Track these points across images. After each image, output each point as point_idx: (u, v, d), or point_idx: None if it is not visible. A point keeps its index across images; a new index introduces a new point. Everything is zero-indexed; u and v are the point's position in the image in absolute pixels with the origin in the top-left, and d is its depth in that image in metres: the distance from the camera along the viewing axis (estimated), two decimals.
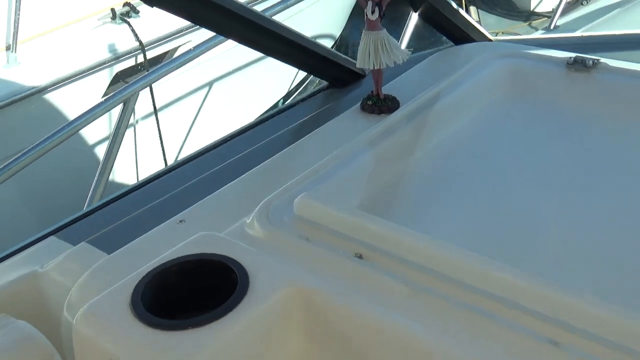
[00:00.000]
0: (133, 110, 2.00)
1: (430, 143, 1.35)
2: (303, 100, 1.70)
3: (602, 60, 1.40)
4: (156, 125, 4.04)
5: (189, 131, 4.62)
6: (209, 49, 2.24)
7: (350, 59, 1.71)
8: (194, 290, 0.93)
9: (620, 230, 1.07)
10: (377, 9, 1.34)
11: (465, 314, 0.85)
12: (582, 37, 2.04)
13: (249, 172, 1.28)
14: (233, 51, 4.17)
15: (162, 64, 2.24)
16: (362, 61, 1.39)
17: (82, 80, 4.00)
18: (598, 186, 1.19)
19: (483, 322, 0.84)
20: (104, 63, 4.07)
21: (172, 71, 2.14)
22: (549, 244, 1.05)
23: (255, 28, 1.43)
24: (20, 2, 3.73)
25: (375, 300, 0.88)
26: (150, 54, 4.19)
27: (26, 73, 3.82)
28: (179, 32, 4.33)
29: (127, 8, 4.19)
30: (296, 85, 6.10)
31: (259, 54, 4.89)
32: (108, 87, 4.19)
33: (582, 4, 6.47)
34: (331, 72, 1.68)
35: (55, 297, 1.13)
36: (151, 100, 3.88)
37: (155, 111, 4.02)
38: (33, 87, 3.79)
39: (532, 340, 0.80)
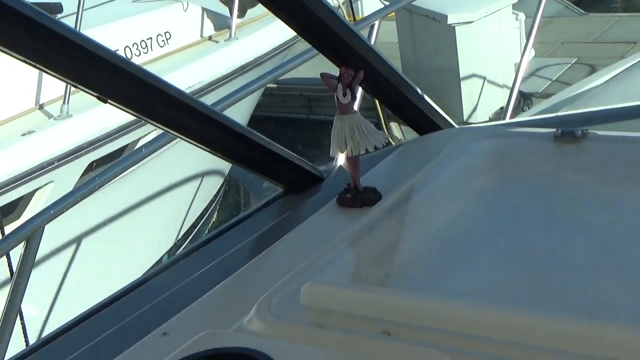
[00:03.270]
0: (38, 247, 2.16)
1: (420, 235, 1.63)
2: (258, 210, 1.96)
3: (591, 130, 1.78)
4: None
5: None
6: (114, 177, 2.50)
7: (306, 160, 2.01)
8: None
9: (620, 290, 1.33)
10: (348, 92, 1.66)
11: None
12: (560, 115, 2.45)
13: (229, 278, 1.50)
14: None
15: (73, 189, 2.44)
16: (337, 148, 1.68)
17: None
18: (596, 266, 1.45)
19: None
20: None
21: (83, 199, 2.35)
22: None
23: (215, 127, 1.72)
24: None
25: None
26: (2, 200, 4.39)
27: None
28: (41, 169, 4.57)
29: None
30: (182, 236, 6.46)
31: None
32: None
33: (522, 110, 7.30)
34: (289, 176, 1.96)
35: None
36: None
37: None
38: None
39: None
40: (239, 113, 6.38)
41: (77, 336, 1.50)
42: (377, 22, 3.51)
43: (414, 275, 1.48)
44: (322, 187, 1.98)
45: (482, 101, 8.57)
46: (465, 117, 8.51)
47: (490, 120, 8.31)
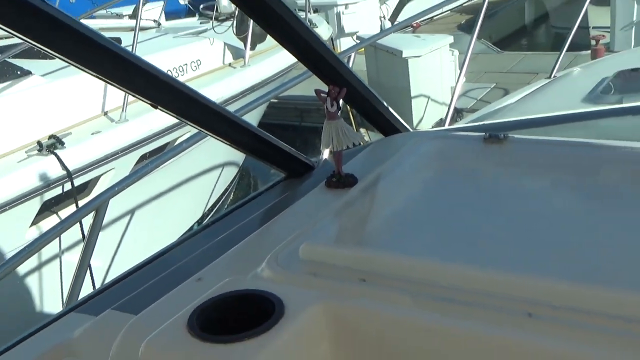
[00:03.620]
0: (104, 216, 2.14)
1: (386, 209, 1.61)
2: (266, 190, 1.93)
3: (510, 134, 1.77)
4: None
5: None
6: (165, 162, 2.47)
7: (302, 154, 1.99)
8: (237, 321, 1.11)
9: (535, 263, 1.27)
10: (335, 103, 1.63)
11: (458, 306, 1.09)
12: (486, 124, 2.45)
13: (246, 240, 1.48)
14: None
15: (130, 174, 2.42)
16: (325, 145, 1.65)
17: (11, 210, 4.04)
18: (514, 233, 1.41)
19: (473, 310, 1.08)
20: (32, 192, 4.15)
21: (137, 180, 2.33)
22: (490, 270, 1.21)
23: (235, 127, 1.69)
24: None
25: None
26: (77, 181, 4.34)
27: None
28: (105, 159, 4.53)
29: (52, 140, 4.35)
30: (212, 205, 6.42)
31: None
32: (37, 215, 4.25)
33: (456, 120, 7.30)
34: (289, 165, 1.94)
35: None
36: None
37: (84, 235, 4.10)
38: None
39: (510, 315, 1.05)
40: (250, 120, 6.32)
41: (130, 283, 1.47)
42: (353, 54, 3.49)
43: (381, 237, 1.46)
44: (314, 173, 1.96)
45: (426, 114, 8.58)
46: (414, 125, 8.49)
47: (433, 127, 8.32)
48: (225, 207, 6.48)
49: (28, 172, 4.17)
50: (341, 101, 1.72)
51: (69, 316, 1.39)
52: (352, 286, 1.19)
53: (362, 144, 1.98)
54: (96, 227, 2.14)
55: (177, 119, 1.65)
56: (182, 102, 1.56)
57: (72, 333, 1.30)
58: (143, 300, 1.32)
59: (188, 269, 1.43)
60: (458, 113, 8.11)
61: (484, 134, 1.79)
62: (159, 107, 1.50)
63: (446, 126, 3.77)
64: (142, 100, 1.50)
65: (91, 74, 1.34)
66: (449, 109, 4.09)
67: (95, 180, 4.66)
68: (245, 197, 1.94)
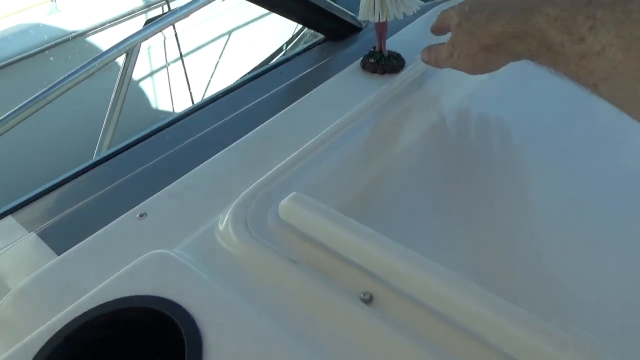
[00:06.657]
0: (135, 61, 1.45)
1: (444, 108, 0.80)
2: (298, 54, 1.13)
3: None
4: (183, 69, 3.40)
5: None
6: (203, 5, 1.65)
7: (347, 10, 1.13)
8: (128, 348, 0.44)
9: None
10: None
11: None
12: None
13: (229, 147, 0.74)
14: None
15: (157, 20, 1.65)
16: (365, 13, 0.81)
17: (120, 25, 3.35)
18: None
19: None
20: (136, 11, 3.41)
21: (167, 27, 1.57)
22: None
23: None
24: None
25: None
26: (173, 5, 3.52)
27: (67, 20, 3.15)
28: None
29: None
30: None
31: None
32: (144, 25, 3.56)
33: None
34: (327, 25, 1.10)
35: None
36: (177, 46, 3.27)
37: (182, 57, 3.38)
38: (74, 32, 3.13)
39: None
40: None
41: (69, 192, 0.78)
42: None
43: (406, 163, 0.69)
44: (359, 37, 1.13)
45: None
46: None
47: None
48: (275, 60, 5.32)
49: None
50: None
51: (5, 221, 0.75)
52: (347, 307, 0.47)
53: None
54: (128, 70, 1.44)
55: None
56: None
57: None
58: (76, 224, 0.68)
59: (189, 153, 0.74)
60: None
61: None
62: None
63: None
64: None
65: None
66: None
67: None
68: (276, 61, 1.15)
